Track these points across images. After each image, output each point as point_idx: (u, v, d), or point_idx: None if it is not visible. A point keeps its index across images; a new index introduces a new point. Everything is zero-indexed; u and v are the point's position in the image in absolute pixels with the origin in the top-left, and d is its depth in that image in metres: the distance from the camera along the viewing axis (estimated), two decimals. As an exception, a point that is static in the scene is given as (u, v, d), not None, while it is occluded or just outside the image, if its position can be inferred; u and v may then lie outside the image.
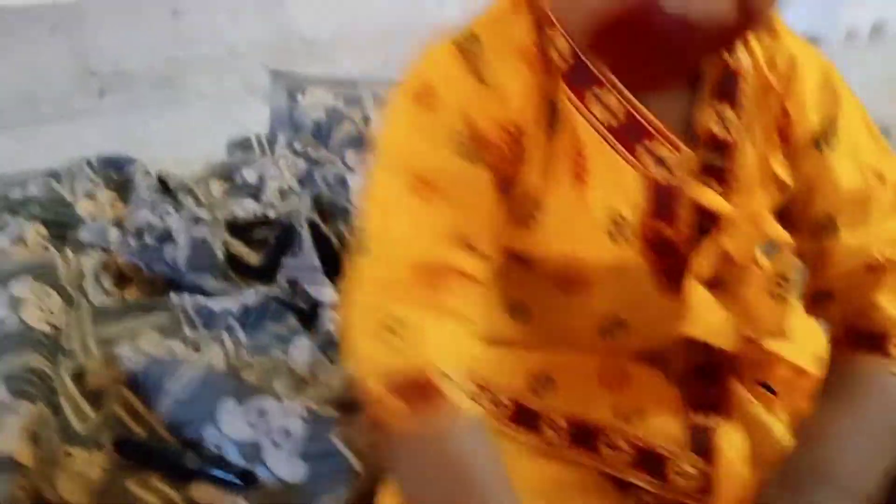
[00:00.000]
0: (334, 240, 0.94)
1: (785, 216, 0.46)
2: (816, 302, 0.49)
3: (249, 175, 1.14)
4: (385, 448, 0.43)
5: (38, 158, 1.24)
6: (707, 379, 0.48)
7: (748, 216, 0.43)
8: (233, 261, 0.93)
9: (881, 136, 0.49)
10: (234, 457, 0.67)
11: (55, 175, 1.12)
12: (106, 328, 0.83)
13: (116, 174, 1.14)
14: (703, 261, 0.44)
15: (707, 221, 0.44)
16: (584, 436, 0.49)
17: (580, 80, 0.43)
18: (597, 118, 0.43)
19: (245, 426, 0.67)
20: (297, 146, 1.20)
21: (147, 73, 1.49)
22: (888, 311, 0.45)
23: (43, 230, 0.94)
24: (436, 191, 0.43)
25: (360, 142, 1.18)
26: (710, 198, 0.44)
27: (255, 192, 1.09)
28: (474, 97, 0.43)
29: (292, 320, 0.83)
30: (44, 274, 0.83)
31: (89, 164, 1.14)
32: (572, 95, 0.44)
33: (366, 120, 1.27)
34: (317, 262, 0.88)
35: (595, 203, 0.44)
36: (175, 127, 1.40)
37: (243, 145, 1.25)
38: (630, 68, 0.42)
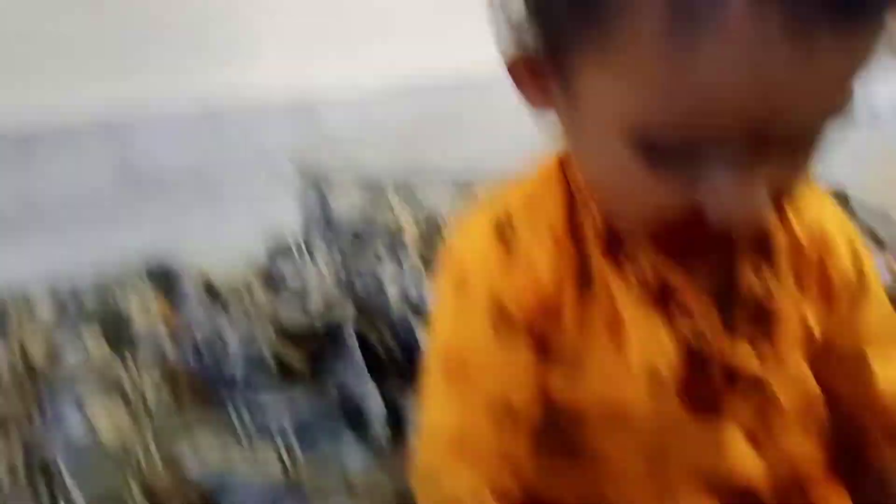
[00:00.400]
0: (377, 345, 1.00)
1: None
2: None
3: (291, 280, 1.20)
4: None
5: (84, 258, 1.32)
6: None
7: (786, 371, 0.48)
8: (281, 366, 0.99)
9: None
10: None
11: (107, 283, 1.18)
12: (168, 437, 0.88)
13: (164, 281, 1.21)
14: (737, 411, 0.48)
15: (740, 375, 0.48)
16: None
17: (615, 249, 0.48)
18: (632, 283, 0.48)
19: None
20: (335, 251, 1.27)
21: (183, 174, 1.57)
22: None
23: (104, 343, 1.00)
24: (466, 371, 0.48)
25: (393, 245, 1.25)
26: (742, 357, 0.48)
27: (298, 298, 1.15)
28: (507, 277, 0.48)
29: (343, 429, 0.88)
30: (111, 388, 0.88)
31: (138, 270, 1.21)
32: (608, 262, 0.48)
33: (400, 228, 1.34)
34: (363, 368, 0.94)
35: (633, 358, 0.48)
36: (213, 226, 1.48)
37: (282, 248, 1.31)
38: (670, 251, 0.47)
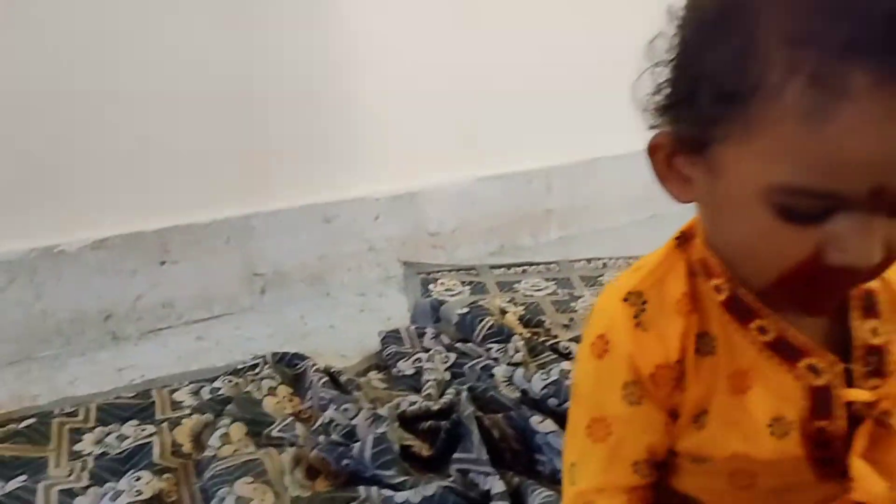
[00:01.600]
0: (494, 431, 1.05)
1: None
2: None
3: (406, 368, 1.28)
4: None
5: (213, 353, 1.44)
6: None
7: None
8: (405, 452, 1.05)
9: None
10: None
11: (236, 373, 1.29)
12: (305, 517, 0.95)
13: (289, 369, 1.30)
14: (862, 441, 0.55)
15: (859, 413, 0.55)
16: None
17: (739, 310, 0.56)
18: (756, 338, 0.55)
19: None
20: (445, 339, 1.34)
21: (301, 271, 1.69)
22: None
23: (243, 428, 1.09)
24: (607, 430, 0.58)
25: (500, 334, 1.32)
26: (860, 395, 0.55)
27: (414, 385, 1.22)
28: (639, 346, 0.56)
29: (468, 509, 0.93)
30: (257, 472, 0.96)
31: (265, 360, 1.31)
32: (734, 323, 0.56)
33: (503, 312, 1.41)
34: (485, 456, 0.99)
35: (757, 408, 0.55)
36: (328, 318, 1.58)
37: (395, 338, 1.39)
38: (792, 305, 0.54)
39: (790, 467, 0.56)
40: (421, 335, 1.38)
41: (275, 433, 1.10)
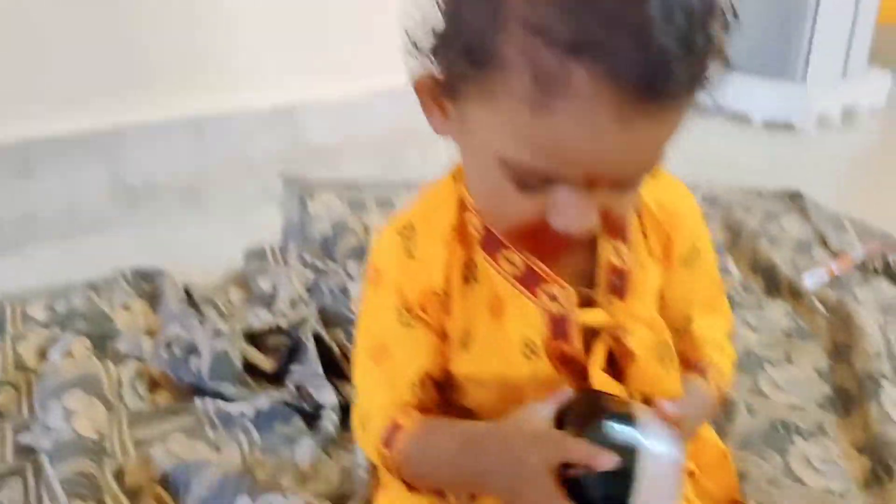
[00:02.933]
0: (335, 348, 1.09)
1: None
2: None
3: (265, 284, 1.29)
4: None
5: (78, 267, 1.42)
6: None
7: (639, 320, 0.61)
8: (249, 367, 1.08)
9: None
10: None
11: (94, 287, 1.28)
12: (141, 431, 0.97)
13: (148, 285, 1.30)
14: (599, 356, 0.61)
15: (595, 332, 0.61)
16: None
17: (492, 245, 0.61)
18: (506, 271, 0.60)
19: (257, 520, 0.81)
20: (307, 257, 1.36)
21: (174, 185, 1.67)
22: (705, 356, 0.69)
23: (87, 342, 1.10)
24: (386, 353, 0.63)
25: (361, 253, 1.34)
26: (593, 317, 0.61)
27: (269, 302, 1.24)
28: (406, 274, 0.61)
29: (298, 422, 0.97)
30: (90, 385, 0.98)
31: (124, 276, 1.31)
32: (487, 256, 0.61)
33: (366, 230, 1.43)
34: (319, 370, 1.03)
35: (511, 331, 0.61)
36: (198, 234, 1.57)
37: (259, 255, 1.41)
38: (538, 249, 0.59)
39: (549, 384, 0.61)
40: (284, 252, 1.40)
41: (121, 348, 1.11)
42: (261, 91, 1.72)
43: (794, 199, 1.72)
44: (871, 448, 0.93)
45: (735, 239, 1.51)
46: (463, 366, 0.64)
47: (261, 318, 1.16)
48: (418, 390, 0.64)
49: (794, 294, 1.30)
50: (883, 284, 1.35)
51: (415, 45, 0.55)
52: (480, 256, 0.61)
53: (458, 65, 0.50)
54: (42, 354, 1.10)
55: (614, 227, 0.61)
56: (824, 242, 1.52)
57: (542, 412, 0.55)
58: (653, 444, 0.51)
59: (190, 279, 1.32)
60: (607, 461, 0.50)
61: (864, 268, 1.41)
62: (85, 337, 1.11)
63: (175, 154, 1.65)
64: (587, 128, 0.45)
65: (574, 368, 0.61)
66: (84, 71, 1.51)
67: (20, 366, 1.08)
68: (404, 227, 0.63)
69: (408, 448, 0.62)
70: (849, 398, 1.04)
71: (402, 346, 0.63)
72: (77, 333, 1.12)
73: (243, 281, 1.34)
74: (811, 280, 1.34)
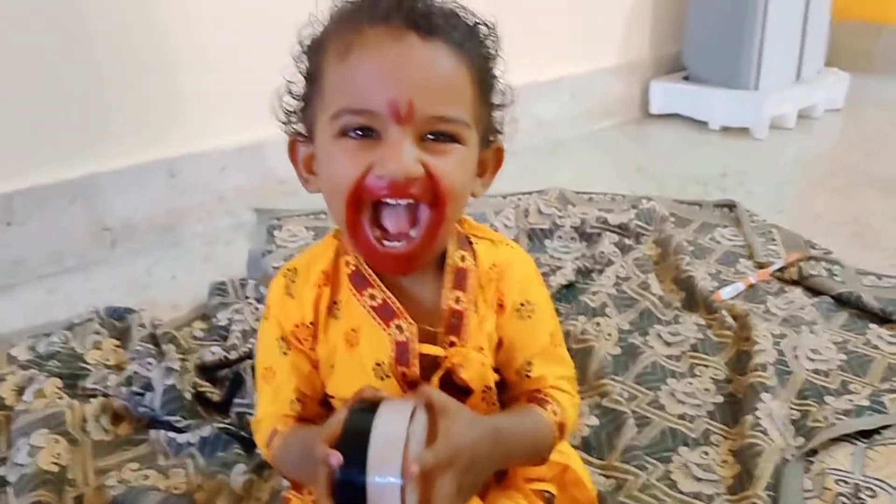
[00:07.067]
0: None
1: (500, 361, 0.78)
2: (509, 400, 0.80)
3: (223, 318, 1.42)
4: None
5: (63, 306, 1.56)
6: None
7: (471, 360, 0.74)
8: (201, 398, 1.21)
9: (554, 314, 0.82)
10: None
11: (70, 327, 1.41)
12: (102, 461, 1.11)
13: (119, 323, 1.43)
14: (435, 382, 0.73)
15: (434, 364, 0.74)
16: None
17: (360, 283, 0.75)
18: (367, 303, 0.75)
19: (191, 539, 0.94)
20: (262, 290, 1.49)
21: (150, 223, 1.81)
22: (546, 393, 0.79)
23: (59, 382, 1.23)
24: (272, 374, 0.80)
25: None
26: (429, 349, 0.74)
27: (225, 335, 1.37)
28: (284, 310, 0.78)
29: (236, 448, 1.10)
30: (55, 423, 1.12)
31: (98, 314, 1.44)
32: (354, 290, 0.75)
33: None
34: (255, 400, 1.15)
35: (365, 358, 0.75)
36: (173, 269, 1.71)
37: (221, 289, 1.53)
38: (396, 285, 0.74)
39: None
40: (243, 286, 1.52)
41: (89, 385, 1.24)
42: (230, 132, 1.85)
43: (732, 210, 1.81)
44: (740, 455, 1.03)
45: (664, 254, 1.61)
46: (331, 387, 0.80)
47: (213, 352, 1.29)
48: (296, 405, 0.80)
49: (708, 308, 1.40)
50: (796, 294, 1.44)
51: (286, 111, 0.75)
52: (346, 294, 0.76)
53: (307, 94, 0.72)
54: (20, 393, 1.24)
55: (457, 281, 0.75)
56: (751, 254, 1.61)
57: (339, 415, 0.68)
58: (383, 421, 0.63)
59: (159, 315, 1.46)
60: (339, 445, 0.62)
61: (781, 278, 1.50)
62: (57, 377, 1.24)
63: (150, 195, 1.78)
64: (371, 55, 0.65)
65: (414, 391, 0.74)
66: (60, 127, 1.65)
67: (1, 405, 1.21)
68: (289, 270, 0.79)
69: (278, 449, 0.79)
70: (738, 408, 1.14)
71: (282, 369, 0.79)
72: (49, 375, 1.25)
73: (206, 315, 1.47)
74: (727, 291, 1.44)
